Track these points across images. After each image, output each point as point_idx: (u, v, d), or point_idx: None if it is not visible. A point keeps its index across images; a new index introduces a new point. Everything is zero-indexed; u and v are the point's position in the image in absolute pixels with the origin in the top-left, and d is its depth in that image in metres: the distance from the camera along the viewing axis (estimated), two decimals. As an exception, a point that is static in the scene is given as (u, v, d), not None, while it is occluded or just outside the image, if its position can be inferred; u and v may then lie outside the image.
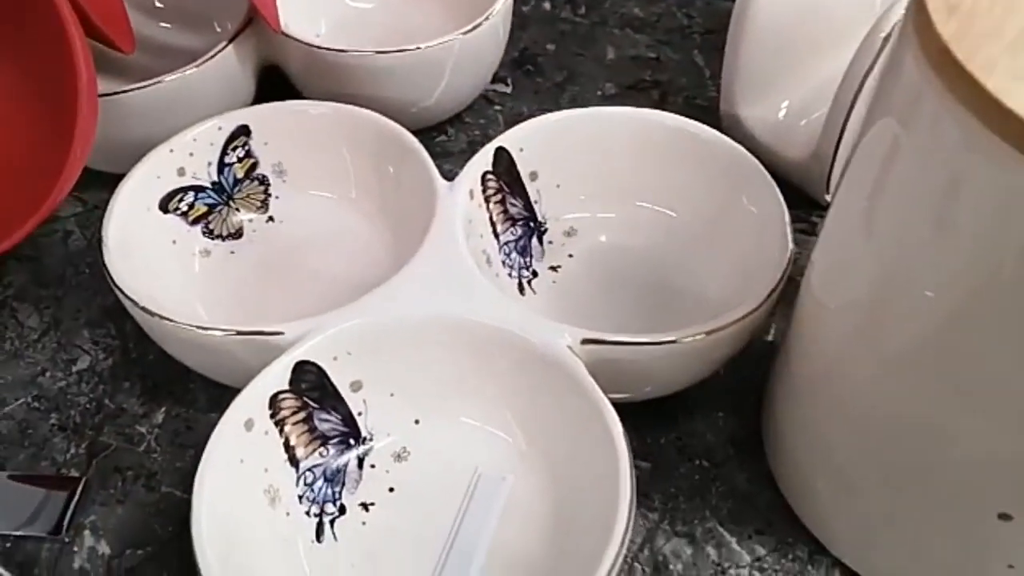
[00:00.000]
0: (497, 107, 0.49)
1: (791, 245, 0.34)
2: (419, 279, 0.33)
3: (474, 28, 0.44)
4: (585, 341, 0.32)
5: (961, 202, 0.22)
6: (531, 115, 0.39)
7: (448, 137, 0.48)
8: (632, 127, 0.39)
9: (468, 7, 0.47)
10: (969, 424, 0.25)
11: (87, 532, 0.34)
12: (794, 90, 0.44)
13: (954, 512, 0.27)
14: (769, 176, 0.36)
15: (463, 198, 0.36)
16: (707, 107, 0.48)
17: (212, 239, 0.40)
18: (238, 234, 0.41)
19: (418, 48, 0.43)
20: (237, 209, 0.41)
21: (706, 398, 0.37)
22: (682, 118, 0.38)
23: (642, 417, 0.35)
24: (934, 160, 0.22)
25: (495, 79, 0.50)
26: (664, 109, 0.49)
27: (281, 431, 0.31)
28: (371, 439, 0.33)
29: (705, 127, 0.38)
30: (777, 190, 0.36)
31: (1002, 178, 0.20)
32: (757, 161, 0.37)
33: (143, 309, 0.33)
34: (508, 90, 0.50)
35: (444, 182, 0.37)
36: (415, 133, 0.40)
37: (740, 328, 0.32)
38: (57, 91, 0.36)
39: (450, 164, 0.46)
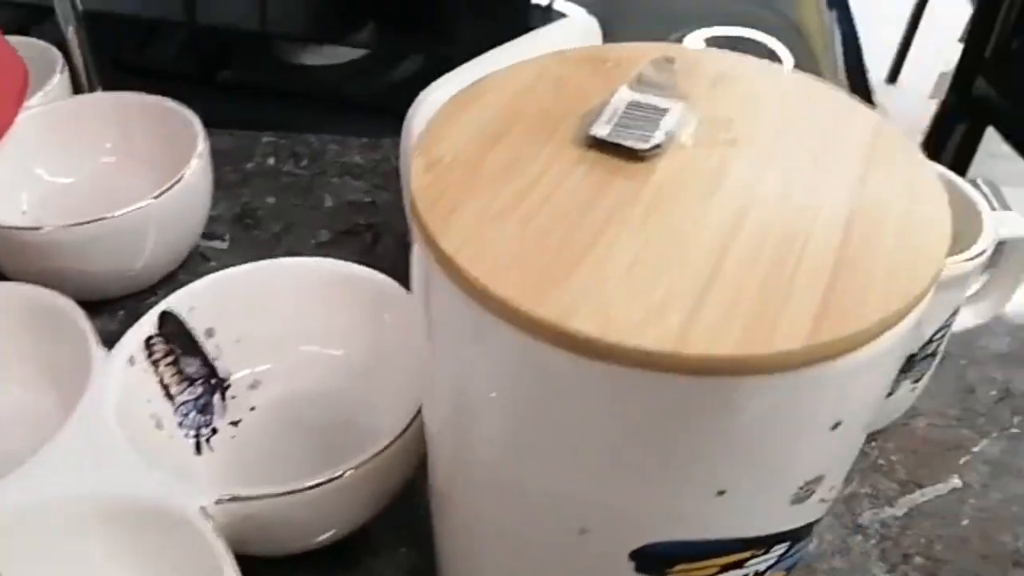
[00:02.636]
0: (212, 263, 0.50)
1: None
2: (58, 457, 0.33)
3: (167, 190, 0.45)
4: (220, 501, 0.31)
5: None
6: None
7: (159, 297, 0.48)
8: (296, 275, 0.40)
9: (169, 169, 0.48)
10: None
11: None
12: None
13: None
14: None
15: (119, 366, 0.36)
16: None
17: None
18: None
19: (113, 216, 0.44)
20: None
21: (387, 534, 0.37)
22: (339, 261, 0.40)
23: (325, 560, 0.35)
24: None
25: (212, 236, 0.51)
26: (376, 250, 0.51)
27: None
28: None
29: (357, 266, 0.40)
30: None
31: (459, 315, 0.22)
32: (403, 289, 0.38)
33: None
34: (224, 246, 0.51)
35: (102, 352, 0.37)
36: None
37: (373, 467, 0.32)
38: None
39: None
